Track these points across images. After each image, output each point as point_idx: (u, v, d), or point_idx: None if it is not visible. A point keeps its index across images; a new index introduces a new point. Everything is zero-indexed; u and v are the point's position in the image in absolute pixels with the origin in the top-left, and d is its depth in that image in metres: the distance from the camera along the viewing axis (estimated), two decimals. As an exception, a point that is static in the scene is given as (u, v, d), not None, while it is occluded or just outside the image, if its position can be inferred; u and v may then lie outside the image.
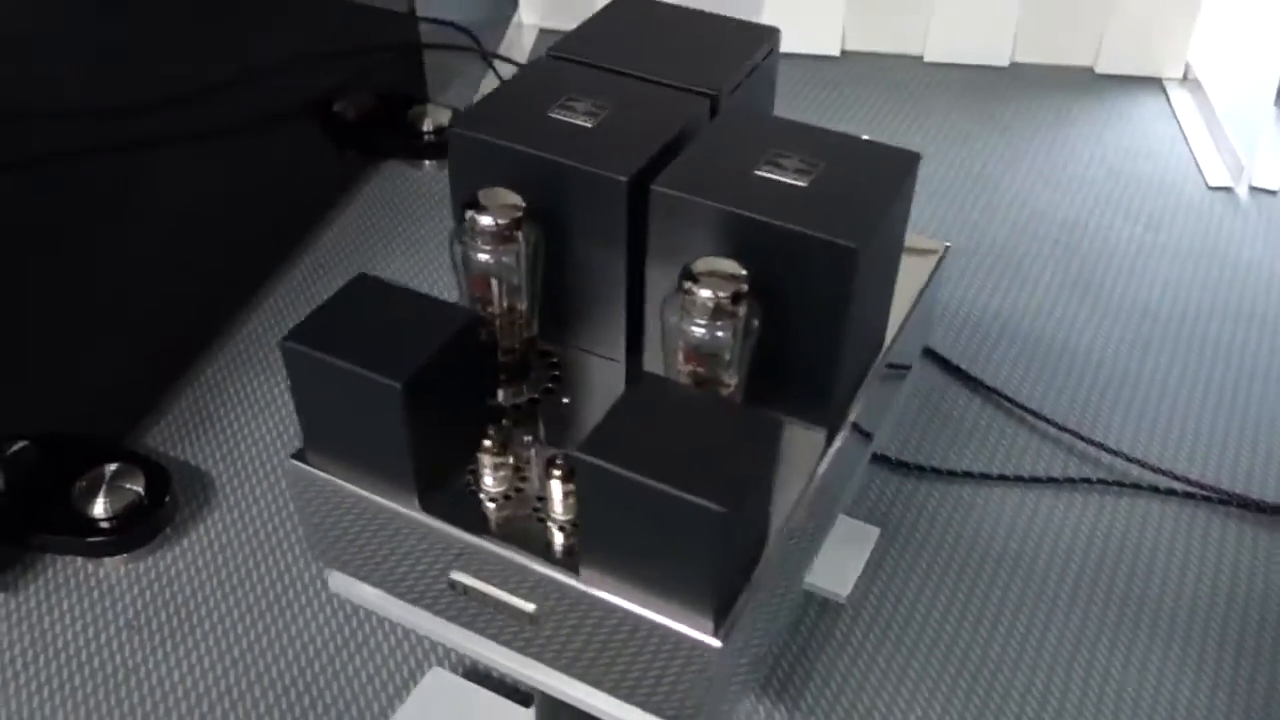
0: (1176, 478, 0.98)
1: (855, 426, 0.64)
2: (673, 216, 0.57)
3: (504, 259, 0.57)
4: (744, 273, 0.54)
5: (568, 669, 0.57)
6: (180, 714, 0.79)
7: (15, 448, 0.90)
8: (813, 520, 0.62)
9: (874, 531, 0.90)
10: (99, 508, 0.88)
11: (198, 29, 1.02)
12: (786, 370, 0.59)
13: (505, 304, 0.59)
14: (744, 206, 0.55)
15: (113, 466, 0.89)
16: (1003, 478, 0.98)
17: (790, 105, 1.45)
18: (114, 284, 0.96)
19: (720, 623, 0.51)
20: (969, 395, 1.06)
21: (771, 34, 0.70)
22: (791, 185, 0.57)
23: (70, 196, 0.92)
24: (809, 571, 0.86)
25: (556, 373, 0.64)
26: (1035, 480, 0.98)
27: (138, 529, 0.89)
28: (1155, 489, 0.97)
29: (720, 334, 0.54)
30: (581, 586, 0.53)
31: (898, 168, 0.59)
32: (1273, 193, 1.31)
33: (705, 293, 0.53)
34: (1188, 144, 1.39)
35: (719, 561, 0.49)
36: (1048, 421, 1.03)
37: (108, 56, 0.93)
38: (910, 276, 0.72)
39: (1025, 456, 1.00)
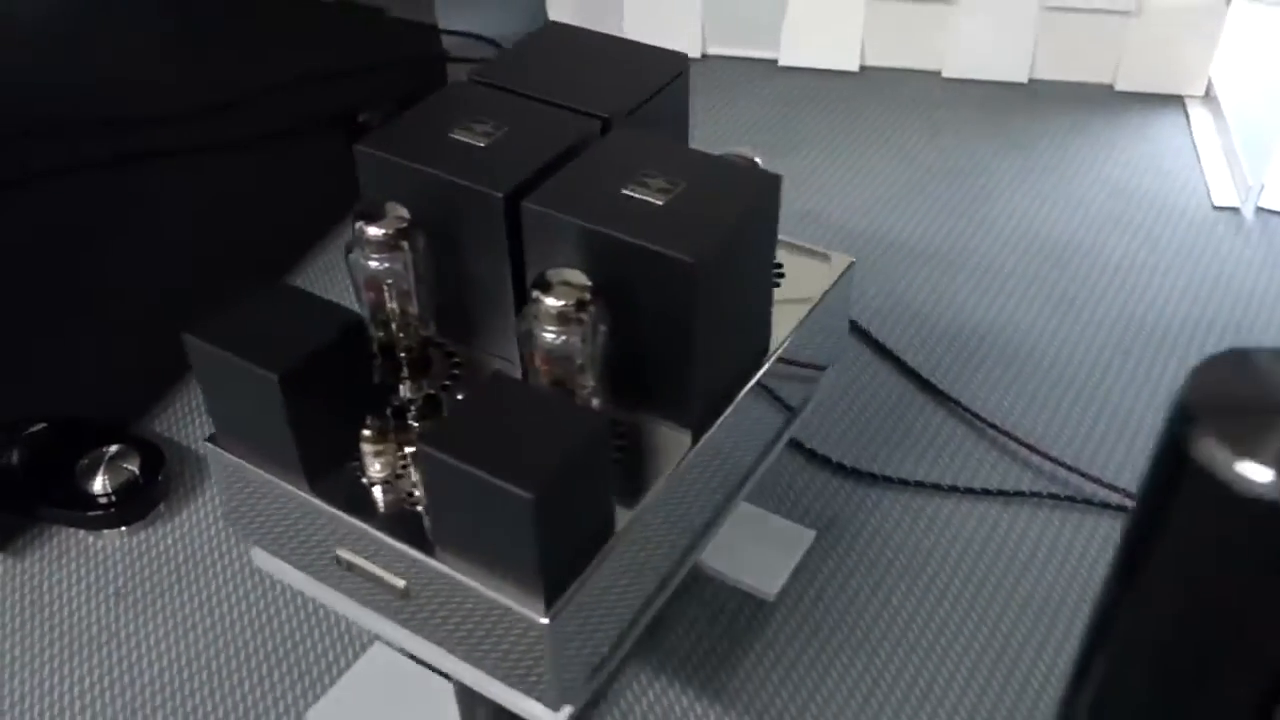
0: (1129, 494, 0.99)
1: (735, 427, 0.68)
2: (541, 230, 0.62)
3: (390, 265, 0.63)
4: (589, 282, 0.59)
5: (437, 640, 0.63)
6: (152, 675, 0.87)
7: (34, 428, 1.00)
8: (678, 515, 0.66)
9: (809, 534, 0.94)
10: (98, 484, 0.96)
11: (224, 40, 1.11)
12: (648, 375, 0.64)
13: (398, 307, 0.65)
14: (598, 222, 0.60)
15: (113, 448, 0.98)
16: (954, 489, 1.00)
17: (805, 120, 1.49)
18: (132, 283, 1.05)
19: (553, 601, 0.56)
20: (934, 407, 1.09)
21: (680, 60, 0.74)
22: (649, 203, 0.61)
23: (98, 205, 1.01)
24: (739, 568, 0.90)
25: (456, 371, 0.70)
26: (986, 492, 1.00)
27: (132, 504, 0.97)
28: (1105, 505, 0.98)
29: (567, 339, 0.59)
30: (435, 565, 0.58)
31: (757, 189, 0.63)
32: (1280, 213, 1.30)
33: (551, 301, 0.58)
34: (1200, 163, 1.38)
35: (540, 544, 0.54)
36: (1008, 435, 1.05)
37: (133, 67, 1.02)
38: (812, 285, 0.76)
39: (981, 469, 1.02)
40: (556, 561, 0.56)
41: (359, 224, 0.63)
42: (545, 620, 0.56)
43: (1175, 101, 1.50)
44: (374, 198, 0.65)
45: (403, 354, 0.67)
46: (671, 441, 0.65)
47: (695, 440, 0.65)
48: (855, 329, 1.16)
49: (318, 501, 0.62)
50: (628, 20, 1.60)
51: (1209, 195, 1.33)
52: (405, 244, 0.63)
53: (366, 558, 0.62)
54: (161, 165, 1.07)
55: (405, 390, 0.68)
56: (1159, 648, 0.38)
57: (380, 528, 0.60)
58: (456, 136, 0.67)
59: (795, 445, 1.04)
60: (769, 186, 0.64)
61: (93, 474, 0.97)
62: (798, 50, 1.58)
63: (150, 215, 1.07)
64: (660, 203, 0.61)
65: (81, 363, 1.02)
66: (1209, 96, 1.49)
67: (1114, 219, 1.31)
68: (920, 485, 1.01)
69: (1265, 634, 0.36)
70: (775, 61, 1.59)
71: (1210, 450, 0.33)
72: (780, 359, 0.72)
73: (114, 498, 0.97)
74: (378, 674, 0.84)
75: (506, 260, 0.65)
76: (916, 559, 0.95)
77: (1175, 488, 0.35)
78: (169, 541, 0.97)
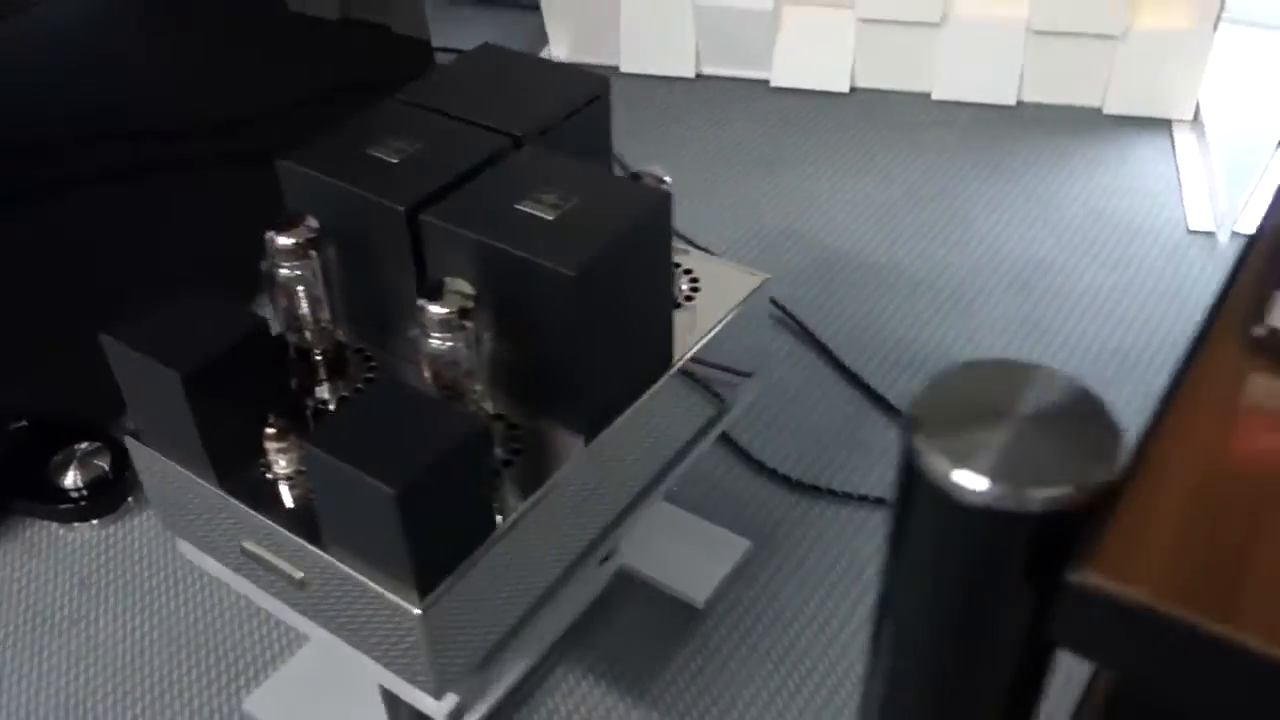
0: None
1: (634, 431, 0.71)
2: (439, 242, 0.66)
3: (300, 273, 0.67)
4: (472, 292, 0.62)
5: (331, 628, 0.66)
6: (111, 658, 0.92)
7: (15, 425, 1.05)
8: (574, 515, 0.69)
9: (743, 543, 0.96)
10: (69, 479, 1.01)
11: (215, 60, 1.17)
12: (540, 382, 0.67)
13: (310, 313, 0.69)
14: (488, 235, 0.63)
15: (85, 444, 1.03)
16: (896, 503, 1.02)
17: (793, 140, 1.51)
18: (118, 287, 1.10)
19: (426, 593, 0.59)
20: (886, 423, 1.10)
21: (600, 83, 0.77)
22: (540, 218, 0.64)
23: (86, 215, 1.07)
24: (671, 575, 0.92)
25: (371, 375, 0.73)
26: (928, 507, 1.01)
27: (103, 499, 1.02)
28: (1045, 523, 0.99)
29: (453, 345, 0.62)
30: (323, 556, 0.62)
31: (647, 206, 0.66)
32: (1255, 237, 1.29)
33: (435, 308, 0.61)
34: (1180, 187, 1.39)
35: (408, 538, 0.57)
36: (956, 452, 1.06)
37: (138, 87, 1.08)
38: (725, 299, 0.78)
39: (926, 484, 1.04)
40: (429, 556, 0.59)
41: (268, 234, 0.66)
42: (419, 611, 0.59)
43: (1163, 126, 1.50)
44: (292, 210, 0.69)
45: (318, 358, 0.71)
46: (566, 445, 0.68)
47: (588, 444, 0.68)
48: (816, 345, 1.18)
49: (222, 494, 0.65)
50: (624, 40, 1.63)
51: (1186, 220, 1.33)
52: (314, 253, 0.67)
53: (267, 549, 0.65)
54: (147, 178, 1.13)
55: (323, 392, 0.72)
56: (918, 646, 0.40)
57: (277, 521, 0.64)
58: (372, 153, 0.70)
59: (744, 457, 1.06)
60: (659, 203, 0.67)
61: (65, 470, 1.02)
62: (789, 71, 1.60)
63: (134, 226, 1.12)
64: (551, 218, 0.64)
65: (65, 362, 1.07)
66: (1197, 121, 1.49)
67: (1088, 242, 1.31)
68: (864, 499, 1.02)
69: (1001, 633, 0.38)
70: (768, 82, 1.62)
71: (931, 460, 0.35)
72: (689, 366, 0.74)
73: (85, 492, 1.01)
74: (315, 664, 0.88)
75: (413, 270, 0.68)
76: (852, 569, 0.96)
77: (909, 496, 0.37)
78: (136, 534, 1.02)
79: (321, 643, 0.87)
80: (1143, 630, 0.33)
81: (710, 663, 0.90)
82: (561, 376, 0.66)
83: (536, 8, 1.68)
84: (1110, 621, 0.34)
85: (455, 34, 1.64)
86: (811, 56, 1.59)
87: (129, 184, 1.10)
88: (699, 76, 1.65)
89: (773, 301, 1.22)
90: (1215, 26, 1.43)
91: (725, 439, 1.07)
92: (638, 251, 0.66)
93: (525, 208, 0.65)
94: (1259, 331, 0.41)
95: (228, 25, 1.20)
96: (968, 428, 0.36)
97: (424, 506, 0.57)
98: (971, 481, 0.35)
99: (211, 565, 0.72)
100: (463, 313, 0.61)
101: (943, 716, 0.41)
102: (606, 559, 0.89)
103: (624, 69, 1.65)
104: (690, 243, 1.32)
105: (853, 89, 1.60)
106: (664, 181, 0.74)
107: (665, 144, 1.51)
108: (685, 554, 0.94)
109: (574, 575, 0.71)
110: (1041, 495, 0.34)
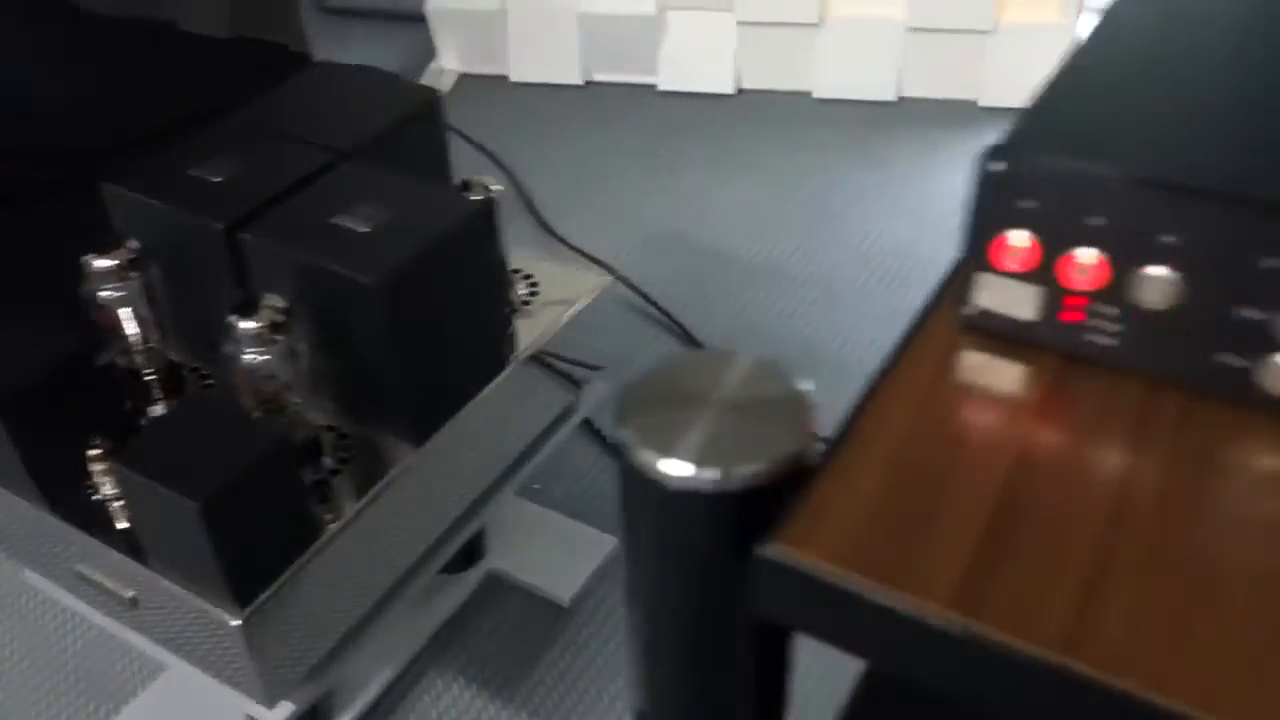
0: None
1: (468, 432, 0.72)
2: (258, 258, 0.67)
3: (121, 294, 0.67)
4: (284, 305, 0.63)
5: (166, 644, 0.67)
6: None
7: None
8: (406, 521, 0.70)
9: (610, 541, 0.97)
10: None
11: (99, 82, 1.17)
12: (363, 390, 0.68)
13: (137, 334, 0.69)
14: (300, 250, 0.64)
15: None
16: (766, 495, 1.04)
17: (680, 142, 1.53)
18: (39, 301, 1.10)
19: (245, 604, 0.60)
20: (759, 417, 1.12)
21: (430, 96, 0.79)
22: (353, 231, 0.66)
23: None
24: (536, 574, 0.94)
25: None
26: (797, 497, 1.04)
27: None
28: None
29: (266, 359, 0.63)
30: (147, 573, 0.63)
31: (463, 216, 0.67)
32: (1119, 221, 1.33)
33: (245, 324, 0.62)
34: (1049, 174, 1.42)
35: (217, 549, 0.58)
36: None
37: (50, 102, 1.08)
38: (566, 301, 0.80)
39: (796, 475, 1.06)
40: (245, 566, 0.60)
41: (84, 258, 0.67)
42: (237, 623, 0.60)
43: (1036, 116, 1.53)
44: (115, 234, 0.70)
45: (151, 378, 0.72)
46: (395, 452, 0.69)
47: (417, 449, 0.69)
48: (694, 345, 1.20)
49: (47, 517, 0.66)
50: (512, 50, 1.65)
51: (1054, 206, 1.37)
52: (135, 274, 0.68)
53: (96, 570, 0.66)
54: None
55: (157, 412, 0.72)
56: (658, 627, 0.42)
57: (103, 541, 0.64)
58: (195, 173, 0.71)
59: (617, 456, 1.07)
60: (478, 213, 0.68)
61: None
62: (675, 75, 1.62)
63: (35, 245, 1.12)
64: (365, 230, 0.66)
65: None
66: (1067, 110, 1.52)
67: (957, 234, 1.34)
68: (734, 493, 1.04)
69: (728, 612, 0.40)
70: (655, 86, 1.64)
71: (637, 450, 0.37)
72: (526, 366, 0.76)
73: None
74: (179, 684, 0.88)
75: (236, 287, 0.69)
76: (721, 564, 0.98)
77: (626, 486, 0.38)
78: (3, 564, 1.02)
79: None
80: (821, 599, 0.35)
81: (578, 659, 0.91)
82: (380, 385, 0.67)
83: (424, 20, 1.69)
84: (795, 592, 0.36)
85: (342, 49, 1.64)
86: (696, 60, 1.61)
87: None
88: (588, 83, 1.66)
89: (653, 303, 1.24)
90: (1078, 17, 1.47)
91: (598, 438, 1.09)
92: (454, 259, 0.67)
93: (340, 221, 0.67)
94: (967, 311, 0.43)
95: (92, 42, 1.20)
96: (670, 416, 0.38)
97: (231, 517, 0.58)
98: (674, 467, 0.36)
99: (52, 590, 0.73)
100: (274, 327, 0.62)
101: (692, 696, 0.43)
102: (472, 563, 0.91)
103: (513, 78, 1.66)
104: (578, 251, 1.34)
105: (739, 90, 1.62)
106: (490, 190, 0.75)
107: (552, 151, 1.52)
108: (552, 554, 0.95)
109: (419, 576, 0.72)
110: (739, 473, 0.36)
